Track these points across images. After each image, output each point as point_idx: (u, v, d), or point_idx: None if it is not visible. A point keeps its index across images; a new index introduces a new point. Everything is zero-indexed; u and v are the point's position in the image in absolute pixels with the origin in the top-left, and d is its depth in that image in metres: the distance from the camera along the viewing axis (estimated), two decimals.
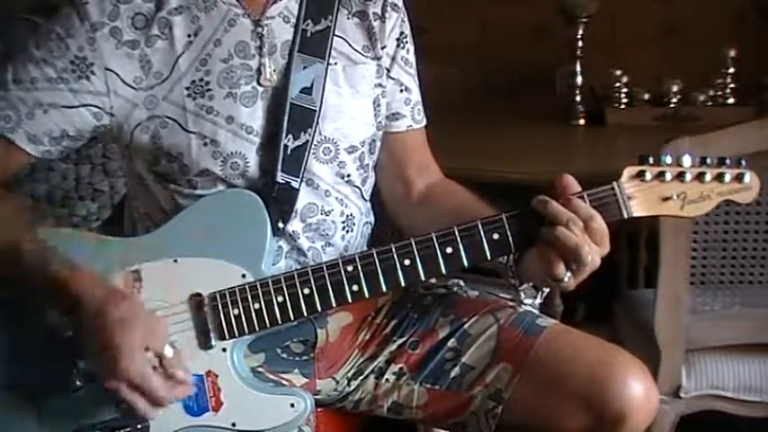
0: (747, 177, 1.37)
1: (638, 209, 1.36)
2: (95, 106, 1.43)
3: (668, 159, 1.36)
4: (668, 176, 1.36)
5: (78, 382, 1.40)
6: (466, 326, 1.53)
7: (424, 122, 1.65)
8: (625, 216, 1.36)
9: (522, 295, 1.46)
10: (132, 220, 1.58)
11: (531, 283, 1.45)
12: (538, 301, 1.49)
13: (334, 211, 1.52)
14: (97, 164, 2.20)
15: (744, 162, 1.37)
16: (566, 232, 1.31)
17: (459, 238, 1.36)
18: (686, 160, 1.36)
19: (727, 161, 1.36)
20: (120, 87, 1.42)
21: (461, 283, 1.63)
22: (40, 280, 1.35)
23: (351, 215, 1.55)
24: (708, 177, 1.36)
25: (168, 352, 1.33)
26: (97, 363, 1.32)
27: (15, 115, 1.42)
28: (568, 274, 1.33)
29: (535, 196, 1.35)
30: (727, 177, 1.36)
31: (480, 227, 1.36)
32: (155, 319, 1.35)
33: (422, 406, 1.53)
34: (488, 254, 1.36)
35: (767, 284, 1.97)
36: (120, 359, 1.29)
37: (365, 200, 1.59)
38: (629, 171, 1.36)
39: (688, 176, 1.36)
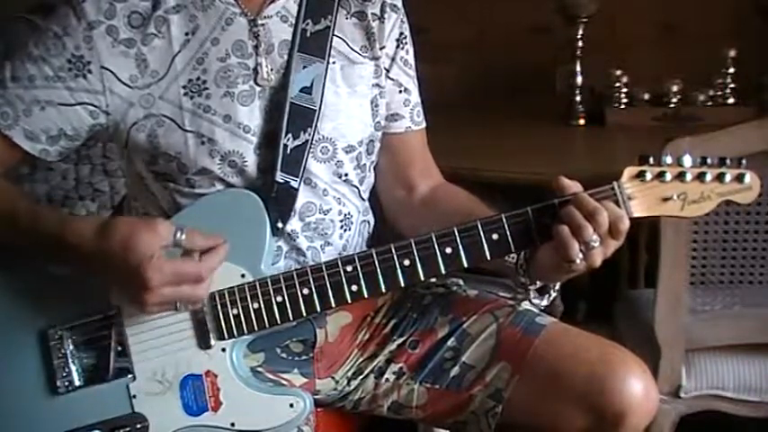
0: (748, 178, 1.36)
1: (638, 209, 1.35)
2: (92, 104, 1.43)
3: (668, 159, 1.35)
4: (668, 177, 1.35)
5: (78, 382, 1.40)
6: (465, 325, 1.53)
7: (424, 125, 1.65)
8: None
9: (532, 294, 1.45)
10: None
11: (541, 284, 1.45)
12: (544, 303, 1.48)
13: (332, 210, 1.52)
14: (97, 164, 2.20)
15: (744, 162, 1.36)
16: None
17: (458, 239, 1.36)
18: (687, 160, 1.35)
19: (728, 161, 1.36)
20: (116, 86, 1.42)
21: (461, 282, 1.63)
22: (37, 238, 1.36)
23: (348, 214, 1.54)
24: (708, 177, 1.35)
25: (181, 236, 1.32)
26: (126, 289, 1.32)
27: (13, 112, 1.42)
28: (580, 255, 1.32)
29: (536, 197, 1.35)
30: (728, 177, 1.35)
31: (480, 227, 1.36)
32: (151, 221, 1.33)
33: (422, 405, 1.53)
34: (488, 254, 1.36)
35: (767, 284, 1.96)
36: (146, 271, 1.28)
37: (363, 199, 1.59)
38: (629, 171, 1.35)
39: (688, 176, 1.35)
